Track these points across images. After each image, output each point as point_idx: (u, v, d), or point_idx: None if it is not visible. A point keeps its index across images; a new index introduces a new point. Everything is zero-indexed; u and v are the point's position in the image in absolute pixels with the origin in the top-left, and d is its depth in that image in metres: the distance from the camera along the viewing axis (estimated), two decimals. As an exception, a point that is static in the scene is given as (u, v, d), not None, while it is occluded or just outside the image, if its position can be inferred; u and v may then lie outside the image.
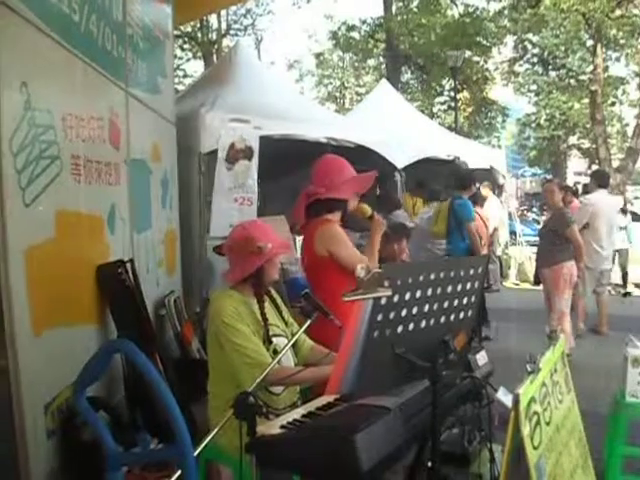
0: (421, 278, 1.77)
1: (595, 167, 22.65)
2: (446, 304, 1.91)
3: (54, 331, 2.88)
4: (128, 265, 3.79)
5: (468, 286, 1.98)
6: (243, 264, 2.65)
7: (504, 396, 4.18)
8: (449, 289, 1.89)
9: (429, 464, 2.11)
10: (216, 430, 2.05)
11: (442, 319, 1.92)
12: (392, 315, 1.72)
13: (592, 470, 2.58)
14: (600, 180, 7.51)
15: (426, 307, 1.83)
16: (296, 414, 2.07)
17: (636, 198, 22.39)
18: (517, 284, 11.60)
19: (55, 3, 2.97)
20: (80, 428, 2.93)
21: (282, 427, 1.95)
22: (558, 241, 6.17)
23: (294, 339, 2.44)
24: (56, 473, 2.86)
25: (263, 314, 2.63)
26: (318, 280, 3.35)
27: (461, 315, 2.01)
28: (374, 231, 3.37)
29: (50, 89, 2.92)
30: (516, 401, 1.84)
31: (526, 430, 1.85)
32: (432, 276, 1.80)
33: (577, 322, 7.39)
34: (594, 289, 7.54)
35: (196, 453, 1.92)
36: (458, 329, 2.00)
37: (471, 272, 1.97)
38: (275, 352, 2.54)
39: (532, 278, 7.86)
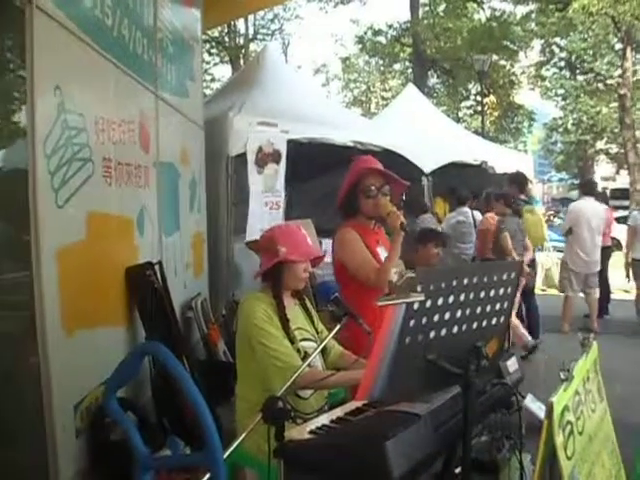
0: (454, 283, 1.74)
1: (623, 172, 22.34)
2: (478, 310, 1.88)
3: (84, 332, 2.92)
4: (157, 267, 3.82)
5: (501, 292, 1.94)
6: (264, 263, 2.73)
7: (532, 403, 4.16)
8: (482, 294, 1.86)
9: (457, 471, 2.09)
10: (244, 435, 2.05)
11: (474, 325, 1.89)
12: (424, 321, 1.70)
13: (625, 481, 2.53)
14: (586, 188, 7.94)
15: (458, 313, 1.80)
16: (325, 419, 2.06)
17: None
18: (544, 290, 11.45)
19: (89, 7, 3.01)
20: (108, 428, 2.96)
21: (311, 432, 1.93)
22: None
23: (324, 342, 2.42)
24: (84, 472, 2.89)
25: (283, 315, 2.62)
26: (341, 285, 3.32)
27: (493, 321, 1.97)
28: (393, 234, 3.14)
29: (83, 92, 2.96)
30: (549, 410, 1.81)
31: (559, 440, 1.82)
32: (465, 281, 1.78)
33: (563, 323, 7.61)
34: (583, 290, 7.79)
35: (224, 457, 1.91)
36: (490, 335, 1.97)
37: (504, 277, 1.94)
38: (305, 355, 2.53)
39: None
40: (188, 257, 5.10)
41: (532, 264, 7.11)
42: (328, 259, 3.31)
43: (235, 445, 2.02)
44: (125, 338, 3.55)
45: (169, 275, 4.18)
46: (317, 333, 2.77)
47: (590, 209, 7.53)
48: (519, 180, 7.41)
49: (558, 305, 7.82)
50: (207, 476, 1.87)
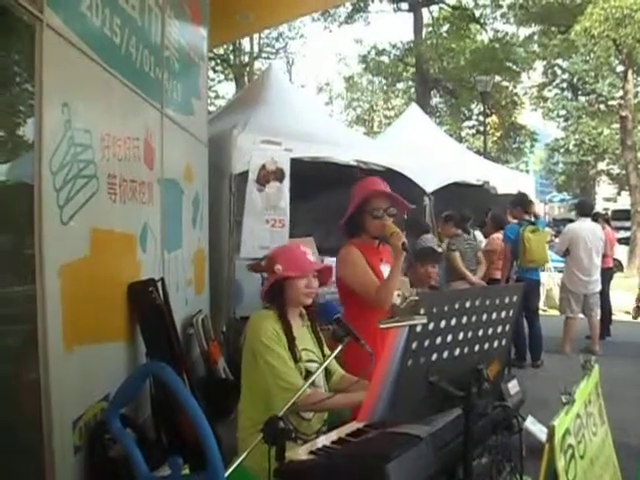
0: (457, 306, 1.75)
1: (625, 194, 22.38)
2: (480, 332, 1.89)
3: (85, 348, 2.91)
4: (159, 284, 3.83)
5: (503, 314, 1.95)
6: (266, 283, 2.79)
7: (532, 425, 4.14)
8: (484, 317, 1.87)
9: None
10: (245, 454, 2.04)
11: (476, 347, 1.90)
12: (427, 343, 1.71)
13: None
14: (582, 209, 7.97)
15: (461, 335, 1.81)
16: (326, 440, 2.05)
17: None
18: (545, 310, 11.43)
19: (98, 25, 3.04)
20: (107, 445, 2.94)
21: (311, 453, 1.93)
22: None
23: (327, 362, 2.42)
24: (82, 489, 2.87)
25: (289, 333, 2.64)
26: (344, 304, 3.36)
27: (495, 344, 1.98)
28: (394, 253, 3.15)
29: (90, 109, 2.99)
30: (551, 433, 1.80)
31: (561, 463, 1.82)
32: (467, 304, 1.78)
33: (564, 345, 7.65)
34: (583, 312, 7.79)
35: (225, 476, 1.91)
36: (492, 358, 1.98)
37: (506, 300, 1.95)
38: (307, 375, 2.53)
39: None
40: (190, 274, 5.10)
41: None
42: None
43: (236, 464, 2.02)
44: (126, 354, 3.54)
45: (171, 292, 4.19)
46: (324, 357, 2.77)
47: (586, 230, 7.57)
48: (523, 201, 7.47)
49: (559, 326, 7.82)
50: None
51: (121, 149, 3.40)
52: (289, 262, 2.69)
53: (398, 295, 2.51)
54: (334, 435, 2.11)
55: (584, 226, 7.62)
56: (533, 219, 7.45)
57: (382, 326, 1.64)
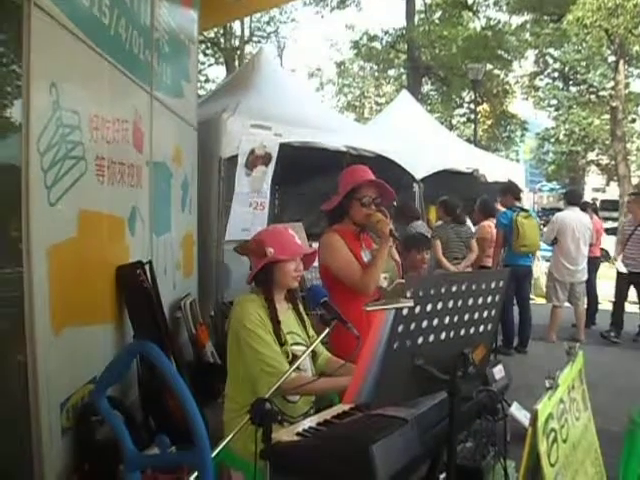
0: (443, 290, 1.76)
1: (614, 184, 22.51)
2: (466, 317, 1.90)
3: (72, 330, 2.91)
4: (147, 267, 3.82)
5: (489, 299, 1.96)
6: (253, 266, 2.75)
7: (517, 411, 4.18)
8: (470, 302, 1.88)
9: (442, 477, 2.11)
10: (231, 435, 2.06)
11: (462, 332, 1.91)
12: (413, 326, 1.72)
13: (607, 490, 2.56)
14: (571, 198, 8.01)
15: (447, 319, 1.82)
16: (312, 422, 2.07)
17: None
18: (532, 299, 11.50)
19: (86, 6, 3.01)
20: (94, 427, 2.95)
21: (298, 434, 1.94)
22: None
23: (313, 346, 2.44)
24: (69, 470, 2.88)
25: (274, 316, 2.64)
26: (328, 289, 3.36)
27: (481, 328, 2.00)
28: (380, 240, 3.21)
29: (78, 90, 2.96)
30: (534, 417, 1.82)
31: (543, 447, 1.84)
32: (454, 288, 1.80)
33: (550, 332, 7.73)
34: (569, 300, 7.88)
35: (211, 456, 1.92)
36: (477, 342, 1.99)
37: (492, 285, 1.96)
38: (293, 358, 2.54)
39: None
40: (178, 257, 5.10)
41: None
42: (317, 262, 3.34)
43: (223, 445, 2.03)
44: (113, 337, 3.54)
45: (159, 275, 4.18)
46: (309, 338, 2.78)
47: (574, 219, 7.62)
48: (513, 189, 7.51)
49: (546, 314, 7.90)
50: (195, 474, 1.88)
51: (110, 131, 3.38)
52: (281, 245, 2.68)
53: (385, 278, 2.53)
54: (320, 417, 2.12)
55: (572, 215, 7.66)
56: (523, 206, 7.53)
57: (368, 309, 1.65)
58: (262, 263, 2.66)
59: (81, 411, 2.99)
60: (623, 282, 7.93)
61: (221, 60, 25.87)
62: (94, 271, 3.27)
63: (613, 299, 8.17)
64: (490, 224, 7.49)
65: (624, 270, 7.78)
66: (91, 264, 3.21)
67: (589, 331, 8.13)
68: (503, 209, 7.60)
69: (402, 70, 28.05)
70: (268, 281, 2.70)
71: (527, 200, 14.64)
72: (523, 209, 7.43)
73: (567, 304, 7.89)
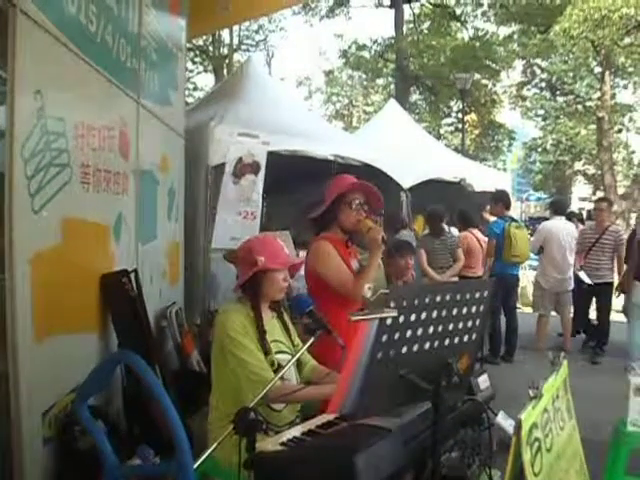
0: (427, 300, 1.76)
1: (600, 193, 22.69)
2: (451, 326, 1.91)
3: (55, 338, 2.88)
4: (132, 275, 3.79)
5: (473, 309, 1.97)
6: (242, 274, 2.73)
7: (504, 420, 4.19)
8: (454, 312, 1.89)
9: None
10: (215, 445, 2.04)
11: (446, 341, 1.91)
12: (397, 336, 1.72)
13: (592, 499, 2.56)
14: (557, 208, 8.08)
15: (431, 329, 1.83)
16: (296, 431, 2.06)
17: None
18: (519, 307, 11.55)
19: (73, 12, 3.00)
20: (77, 437, 2.91)
21: (282, 444, 1.94)
22: None
23: (298, 355, 2.43)
24: (51, 481, 2.85)
25: (260, 325, 2.64)
26: (315, 297, 3.35)
27: (465, 338, 2.00)
28: (371, 248, 3.21)
29: (64, 97, 2.94)
30: (518, 426, 1.82)
31: (527, 456, 1.84)
32: (438, 298, 1.80)
33: (537, 341, 7.75)
34: (556, 309, 7.91)
35: (195, 467, 1.91)
36: (461, 352, 2.00)
37: (476, 295, 1.97)
38: (278, 367, 2.54)
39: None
40: (164, 265, 5.07)
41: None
42: (303, 272, 3.33)
43: (206, 455, 2.02)
44: (97, 346, 3.51)
45: (144, 283, 4.15)
46: (294, 346, 2.78)
47: (560, 228, 7.65)
48: (504, 198, 7.53)
49: (532, 323, 7.93)
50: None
51: (95, 139, 3.36)
52: (271, 254, 2.68)
53: (369, 288, 2.52)
54: (305, 427, 2.12)
55: (558, 224, 7.70)
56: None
57: (352, 319, 1.65)
58: (252, 271, 2.65)
59: (63, 421, 2.95)
60: (585, 293, 7.79)
61: (210, 68, 25.90)
62: (78, 279, 3.24)
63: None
64: (468, 235, 7.50)
65: (589, 281, 7.54)
66: (75, 272, 3.18)
67: (575, 340, 8.15)
68: (493, 218, 7.63)
69: (390, 79, 28.27)
70: (255, 290, 2.69)
71: (514, 209, 14.72)
72: (514, 219, 7.48)
73: (553, 313, 7.91)
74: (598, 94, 22.24)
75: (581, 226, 8.90)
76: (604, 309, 7.62)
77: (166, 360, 4.69)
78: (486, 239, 7.43)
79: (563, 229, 7.65)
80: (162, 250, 4.99)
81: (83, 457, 2.83)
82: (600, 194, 23.89)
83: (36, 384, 2.66)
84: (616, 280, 7.48)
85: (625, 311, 7.53)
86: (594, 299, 7.86)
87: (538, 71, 25.66)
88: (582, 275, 7.57)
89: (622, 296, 7.31)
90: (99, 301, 3.53)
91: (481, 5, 24.20)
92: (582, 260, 7.60)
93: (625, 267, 7.11)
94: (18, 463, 2.59)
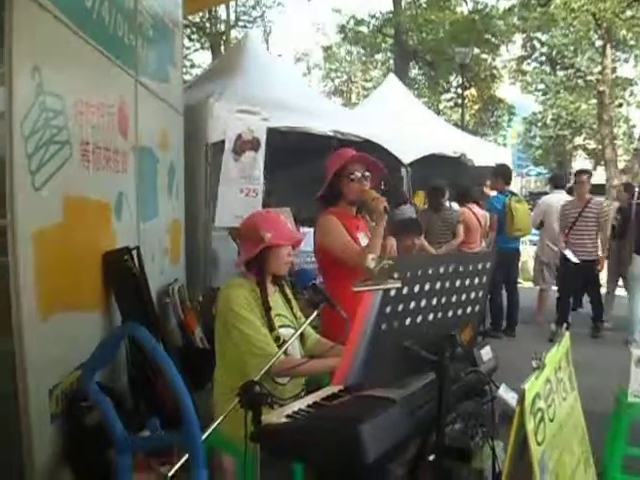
0: (430, 271, 1.76)
1: (601, 168, 22.65)
2: (454, 298, 1.91)
3: (60, 316, 2.89)
4: (134, 252, 3.80)
5: (476, 281, 1.97)
6: (246, 251, 2.74)
7: (505, 393, 4.21)
8: (457, 283, 1.89)
9: (431, 458, 2.12)
10: (222, 417, 2.06)
11: (449, 313, 1.92)
12: (400, 307, 1.72)
13: (593, 469, 2.58)
14: (556, 182, 8.28)
15: (434, 300, 1.83)
16: (301, 404, 2.08)
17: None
18: (519, 282, 11.57)
19: (69, -12, 2.96)
20: (84, 412, 2.94)
21: (288, 416, 1.95)
22: None
23: (301, 329, 2.45)
24: (58, 456, 2.88)
25: (265, 302, 2.64)
26: (323, 271, 3.38)
27: (468, 309, 2.01)
28: (376, 217, 3.21)
29: (62, 74, 2.92)
30: (521, 396, 1.84)
31: (530, 426, 1.85)
32: (441, 269, 1.80)
33: (537, 315, 7.89)
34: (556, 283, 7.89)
35: (202, 439, 1.93)
36: (465, 323, 2.01)
37: (479, 267, 1.97)
38: (282, 342, 2.55)
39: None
40: (166, 243, 5.07)
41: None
42: (305, 247, 3.35)
43: (213, 427, 2.04)
44: (101, 323, 3.53)
45: (146, 261, 4.16)
46: (295, 319, 2.79)
47: (559, 202, 7.63)
48: (504, 172, 7.52)
49: (533, 297, 7.97)
50: (185, 457, 1.88)
51: (94, 116, 3.34)
52: (277, 230, 2.68)
53: (372, 259, 2.51)
54: (310, 399, 2.13)
55: (558, 198, 7.72)
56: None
57: (355, 289, 1.65)
58: (259, 248, 2.64)
59: (70, 397, 2.98)
60: (571, 271, 7.17)
61: (207, 45, 25.64)
62: (81, 257, 3.25)
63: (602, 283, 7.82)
64: (466, 210, 7.41)
65: (575, 260, 7.06)
66: (77, 250, 3.18)
67: (576, 313, 8.18)
68: (493, 193, 7.61)
69: (389, 54, 27.96)
70: (261, 265, 2.69)
71: (515, 184, 14.69)
72: (514, 193, 7.46)
73: (554, 287, 7.92)
74: (599, 68, 22.05)
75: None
76: (594, 286, 7.46)
77: (170, 337, 4.72)
78: (484, 214, 7.40)
79: (563, 202, 7.63)
80: (163, 228, 4.99)
81: (91, 432, 2.86)
82: (600, 169, 23.86)
83: (42, 361, 2.69)
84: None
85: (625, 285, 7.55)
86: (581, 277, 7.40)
87: (538, 45, 25.40)
88: (568, 253, 7.16)
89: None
90: (102, 279, 3.54)
91: (481, -23, 23.95)
92: (565, 237, 7.21)
93: (612, 243, 7.11)
94: (27, 439, 2.62)
